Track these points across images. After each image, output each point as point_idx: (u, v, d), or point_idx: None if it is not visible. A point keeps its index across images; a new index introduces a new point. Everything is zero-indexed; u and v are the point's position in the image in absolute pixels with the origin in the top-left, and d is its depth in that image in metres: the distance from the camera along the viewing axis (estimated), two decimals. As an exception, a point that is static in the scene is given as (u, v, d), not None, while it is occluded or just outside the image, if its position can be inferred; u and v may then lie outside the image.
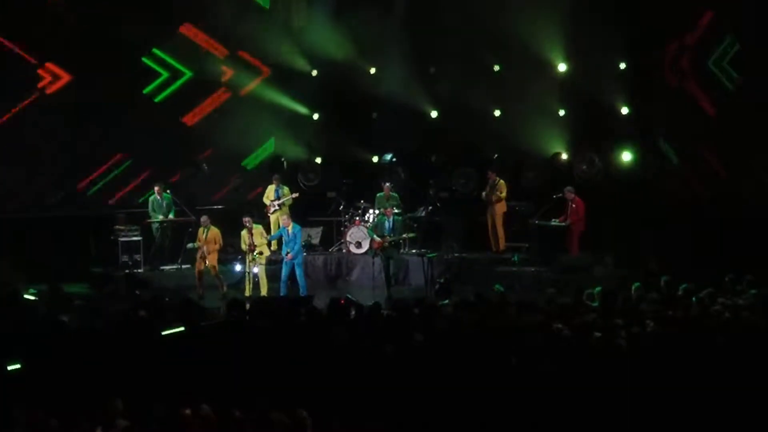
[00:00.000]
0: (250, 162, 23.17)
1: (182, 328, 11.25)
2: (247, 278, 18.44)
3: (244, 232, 18.51)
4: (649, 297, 13.23)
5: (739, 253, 16.97)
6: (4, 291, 14.37)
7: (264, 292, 18.29)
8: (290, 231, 18.58)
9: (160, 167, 21.49)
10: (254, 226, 18.57)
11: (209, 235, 18.69)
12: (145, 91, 21.95)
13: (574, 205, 19.55)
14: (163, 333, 11.10)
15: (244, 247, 18.49)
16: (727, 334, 10.61)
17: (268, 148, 23.34)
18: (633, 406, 8.90)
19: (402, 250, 20.05)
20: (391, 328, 11.35)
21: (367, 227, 20.25)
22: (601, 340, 10.40)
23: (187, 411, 8.26)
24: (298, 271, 18.58)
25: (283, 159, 23.08)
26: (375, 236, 19.27)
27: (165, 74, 22.13)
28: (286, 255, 18.49)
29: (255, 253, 18.32)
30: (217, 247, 18.78)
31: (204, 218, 19.02)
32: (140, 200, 20.85)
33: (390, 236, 18.97)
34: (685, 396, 9.02)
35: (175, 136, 21.97)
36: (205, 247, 18.59)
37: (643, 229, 19.27)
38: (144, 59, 21.93)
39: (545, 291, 14.59)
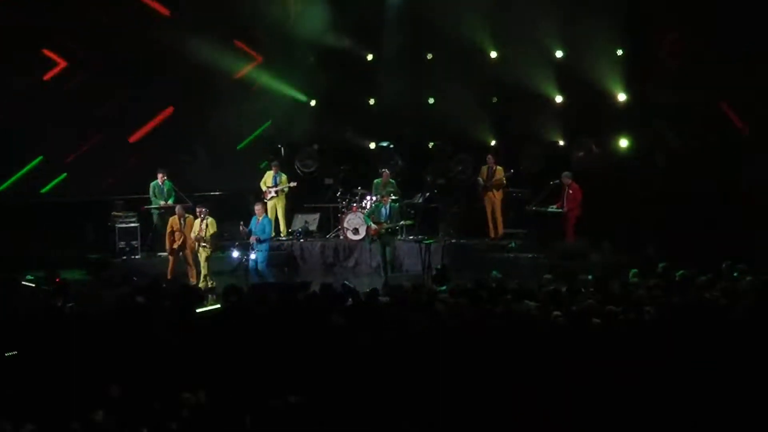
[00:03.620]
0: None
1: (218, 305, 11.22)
2: (197, 269, 18.35)
3: (196, 222, 18.28)
4: (647, 283, 13.22)
5: (736, 239, 16.97)
6: (2, 277, 14.35)
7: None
8: (260, 221, 18.20)
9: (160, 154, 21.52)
10: (208, 218, 18.24)
11: (187, 224, 18.57)
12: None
13: (570, 191, 19.54)
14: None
15: (193, 235, 18.24)
16: (725, 320, 10.63)
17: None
18: (631, 392, 8.91)
19: (399, 237, 20.05)
20: (389, 314, 11.35)
21: (364, 213, 20.23)
22: (598, 327, 10.41)
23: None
24: (261, 260, 18.08)
25: (280, 145, 23.08)
26: (371, 223, 19.25)
27: None
28: (252, 238, 18.08)
29: (201, 245, 18.14)
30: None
31: (179, 207, 18.94)
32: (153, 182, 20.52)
33: (386, 223, 18.93)
34: (684, 382, 9.04)
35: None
36: (193, 236, 18.39)
37: (640, 215, 19.27)
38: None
39: (542, 277, 14.58)
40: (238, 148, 23.13)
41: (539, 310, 11.22)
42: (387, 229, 18.87)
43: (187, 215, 18.66)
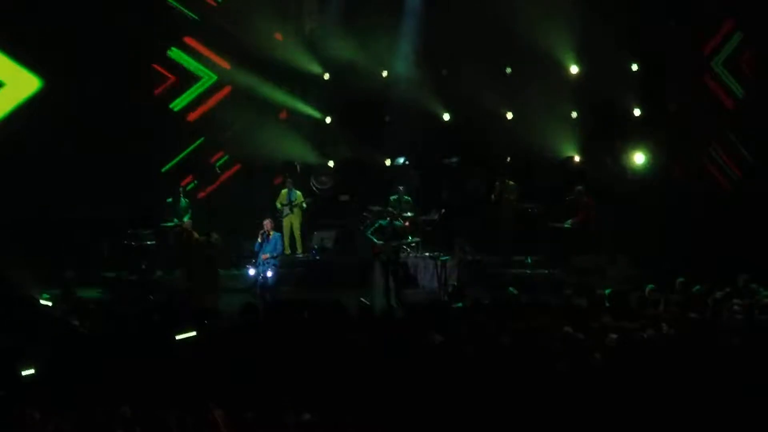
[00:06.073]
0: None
1: (194, 333, 11.18)
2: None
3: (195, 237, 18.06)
4: (664, 298, 13.16)
5: (753, 253, 16.91)
6: (20, 295, 14.37)
7: None
8: (270, 237, 17.93)
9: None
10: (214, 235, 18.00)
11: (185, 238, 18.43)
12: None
13: (578, 206, 19.60)
14: (177, 338, 11.08)
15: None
16: (743, 335, 10.57)
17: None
18: (647, 408, 8.87)
19: (416, 254, 19.97)
20: (406, 330, 11.33)
21: (366, 230, 20.19)
22: (615, 343, 10.36)
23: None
24: (270, 275, 17.88)
25: (296, 163, 23.05)
26: (375, 241, 19.21)
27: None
28: (263, 256, 17.91)
29: None
30: None
31: (186, 222, 18.92)
32: (168, 200, 20.73)
33: (387, 241, 18.70)
34: (700, 398, 8.99)
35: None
36: None
37: (657, 230, 19.21)
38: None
39: (563, 292, 14.54)
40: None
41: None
42: (389, 247, 18.61)
43: (191, 230, 18.54)
